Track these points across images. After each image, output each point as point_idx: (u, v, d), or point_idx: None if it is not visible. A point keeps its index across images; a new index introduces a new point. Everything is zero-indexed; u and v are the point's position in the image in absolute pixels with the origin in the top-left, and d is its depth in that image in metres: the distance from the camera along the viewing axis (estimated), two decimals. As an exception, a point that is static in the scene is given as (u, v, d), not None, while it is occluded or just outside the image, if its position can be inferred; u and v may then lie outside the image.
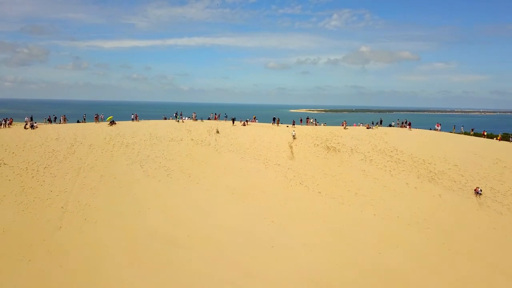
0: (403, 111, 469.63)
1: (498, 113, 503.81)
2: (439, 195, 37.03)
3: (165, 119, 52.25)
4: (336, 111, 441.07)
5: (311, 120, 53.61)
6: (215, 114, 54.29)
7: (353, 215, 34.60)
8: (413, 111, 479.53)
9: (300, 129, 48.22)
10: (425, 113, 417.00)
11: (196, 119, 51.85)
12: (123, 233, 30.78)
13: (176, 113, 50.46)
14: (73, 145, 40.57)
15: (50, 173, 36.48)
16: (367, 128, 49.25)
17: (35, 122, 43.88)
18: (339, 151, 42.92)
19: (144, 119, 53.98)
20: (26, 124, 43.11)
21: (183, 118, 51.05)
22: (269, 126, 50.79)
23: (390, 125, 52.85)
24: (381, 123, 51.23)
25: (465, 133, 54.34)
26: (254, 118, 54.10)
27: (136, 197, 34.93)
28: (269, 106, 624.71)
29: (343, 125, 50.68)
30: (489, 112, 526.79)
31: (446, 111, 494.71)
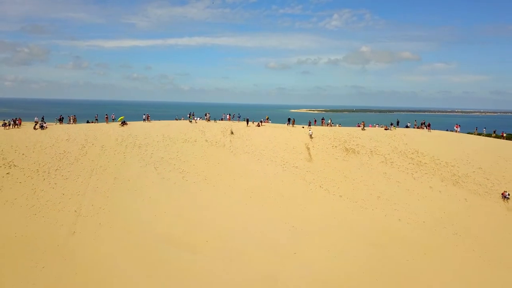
0: (403, 111, 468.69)
1: (499, 113, 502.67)
2: (465, 199, 35.79)
3: (177, 119, 50.98)
4: (337, 111, 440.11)
5: (329, 121, 52.25)
6: (229, 114, 52.99)
7: (377, 220, 33.32)
8: (414, 111, 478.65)
9: (316, 130, 46.89)
10: (426, 113, 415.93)
11: (210, 120, 50.56)
12: (139, 238, 29.50)
13: (190, 114, 49.10)
14: (84, 146, 39.29)
15: (62, 175, 35.21)
16: (385, 129, 47.98)
17: (45, 123, 42.57)
18: (358, 153, 41.64)
19: (155, 120, 52.69)
20: (36, 124, 41.81)
21: (196, 118, 49.77)
22: (284, 127, 49.48)
23: (407, 126, 51.57)
24: (398, 124, 49.94)
25: (487, 135, 53.02)
26: (267, 119, 52.81)
27: (151, 201, 33.65)
28: (269, 106, 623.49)
29: (360, 126, 49.38)
30: (489, 112, 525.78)
31: (447, 111, 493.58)
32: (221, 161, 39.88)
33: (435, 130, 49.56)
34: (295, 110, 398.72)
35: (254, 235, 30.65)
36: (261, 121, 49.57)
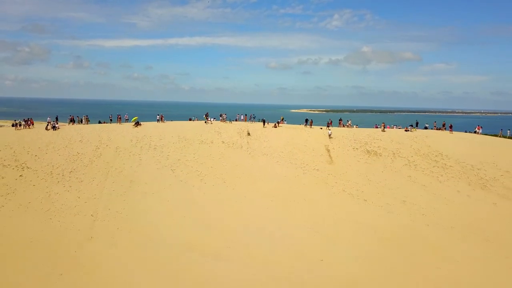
0: (404, 111, 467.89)
1: (500, 114, 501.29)
2: (494, 203, 34.53)
3: (191, 120, 49.76)
4: (337, 111, 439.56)
5: (348, 122, 51.00)
6: (245, 115, 51.71)
7: (404, 225, 32.01)
8: (414, 111, 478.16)
9: (334, 131, 45.66)
10: (427, 113, 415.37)
11: (226, 121, 49.30)
12: (159, 244, 28.22)
13: (206, 114, 47.80)
14: (98, 148, 38.08)
15: (76, 178, 34.01)
16: (406, 130, 46.74)
17: (57, 123, 41.32)
18: (380, 155, 40.39)
19: (168, 120, 51.47)
20: (48, 124, 40.55)
21: (211, 119, 48.58)
22: (301, 128, 48.25)
23: (425, 128, 50.41)
24: (417, 125, 48.72)
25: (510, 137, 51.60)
26: (282, 120, 51.55)
27: (170, 204, 32.40)
28: (270, 106, 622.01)
29: (380, 127, 48.16)
30: (490, 113, 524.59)
31: (447, 112, 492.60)
32: (239, 163, 38.66)
33: (457, 132, 48.36)
34: (296, 110, 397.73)
35: (279, 241, 29.38)
36: (278, 122, 48.33)
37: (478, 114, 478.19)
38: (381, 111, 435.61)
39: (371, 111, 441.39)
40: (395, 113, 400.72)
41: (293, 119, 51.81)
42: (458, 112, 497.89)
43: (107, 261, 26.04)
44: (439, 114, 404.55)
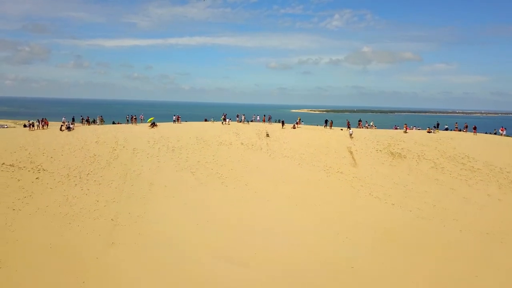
0: (404, 111, 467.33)
1: (500, 114, 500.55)
2: (528, 208, 33.42)
3: (206, 120, 48.51)
4: (338, 111, 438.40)
5: (370, 123, 49.77)
6: (264, 116, 50.43)
7: (437, 231, 30.64)
8: (415, 112, 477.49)
9: (355, 132, 44.41)
10: (427, 114, 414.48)
11: (244, 121, 47.97)
12: (183, 250, 27.00)
13: (224, 115, 46.46)
14: (115, 149, 36.85)
15: (94, 181, 32.80)
16: (428, 132, 45.50)
17: (72, 124, 39.94)
18: (405, 158, 39.15)
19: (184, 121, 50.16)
20: (62, 125, 39.21)
21: (227, 120, 47.31)
22: (321, 129, 47.01)
23: (446, 129, 49.17)
24: (437, 127, 47.50)
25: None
26: (299, 120, 50.21)
27: (192, 208, 31.19)
28: (270, 106, 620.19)
29: (402, 129, 46.89)
30: (490, 113, 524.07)
31: (448, 112, 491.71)
32: (260, 166, 37.45)
33: (481, 134, 47.16)
34: (296, 110, 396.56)
35: (305, 247, 28.11)
36: (296, 123, 47.08)
37: (478, 114, 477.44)
38: (381, 111, 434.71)
39: (372, 111, 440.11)
40: (395, 113, 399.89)
41: (309, 119, 50.37)
42: (458, 113, 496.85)
43: (131, 268, 24.84)
44: (440, 114, 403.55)
